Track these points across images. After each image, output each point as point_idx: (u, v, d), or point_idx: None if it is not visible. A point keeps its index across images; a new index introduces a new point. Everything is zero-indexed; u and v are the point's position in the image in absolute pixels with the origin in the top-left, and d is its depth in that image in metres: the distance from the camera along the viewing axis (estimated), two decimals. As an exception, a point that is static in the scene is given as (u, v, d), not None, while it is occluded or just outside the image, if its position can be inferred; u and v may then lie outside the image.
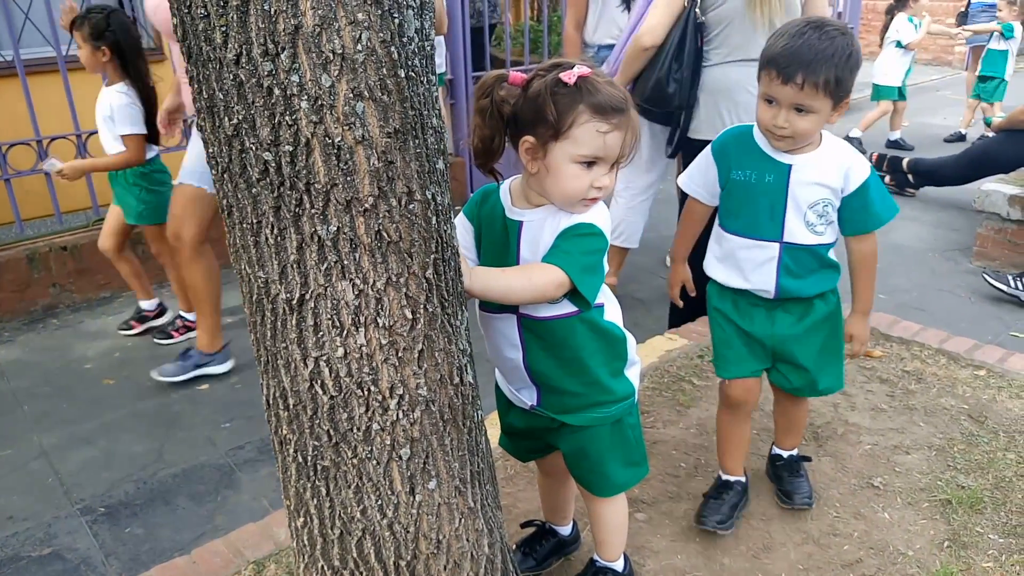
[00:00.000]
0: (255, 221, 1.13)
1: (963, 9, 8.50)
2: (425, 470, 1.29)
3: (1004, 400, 2.63)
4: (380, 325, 1.18)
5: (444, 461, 1.31)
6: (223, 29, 1.02)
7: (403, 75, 1.09)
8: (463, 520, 1.36)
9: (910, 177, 5.25)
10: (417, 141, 1.14)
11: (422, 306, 1.21)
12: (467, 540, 1.37)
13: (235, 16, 1.01)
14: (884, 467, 2.34)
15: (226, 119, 1.08)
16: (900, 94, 6.57)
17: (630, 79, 3.11)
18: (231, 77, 1.05)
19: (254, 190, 1.11)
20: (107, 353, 3.69)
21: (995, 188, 4.14)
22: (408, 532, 1.31)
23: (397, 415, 1.23)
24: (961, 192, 5.14)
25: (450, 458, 1.32)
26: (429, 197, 1.18)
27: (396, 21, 1.06)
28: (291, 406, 1.25)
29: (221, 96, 1.07)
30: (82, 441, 3.03)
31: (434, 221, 1.20)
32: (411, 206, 1.15)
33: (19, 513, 2.64)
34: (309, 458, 1.28)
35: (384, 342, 1.19)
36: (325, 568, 1.37)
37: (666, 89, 2.94)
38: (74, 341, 3.81)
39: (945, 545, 2.04)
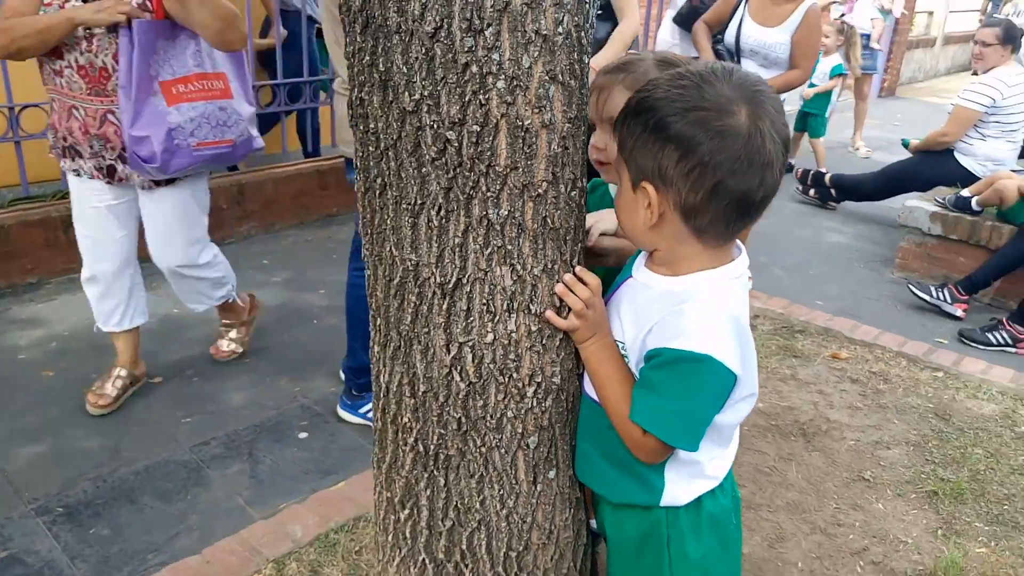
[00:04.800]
0: (418, 202, 1.09)
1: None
2: (548, 459, 1.28)
3: (963, 400, 2.85)
4: (531, 312, 1.16)
5: (563, 451, 1.30)
6: (423, 0, 0.99)
7: (586, 60, 1.08)
8: (572, 510, 1.36)
9: (832, 191, 5.58)
10: (583, 128, 1.14)
11: (567, 294, 1.20)
12: (572, 530, 1.37)
13: (439, -12, 0.98)
14: (870, 461, 2.49)
15: (406, 94, 1.04)
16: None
17: None
18: (423, 51, 1.01)
19: (424, 169, 1.07)
20: (42, 343, 3.42)
21: (918, 205, 4.46)
22: (524, 523, 1.30)
23: (532, 403, 1.22)
24: (878, 207, 5.50)
25: (568, 448, 1.31)
26: (584, 185, 1.18)
27: (586, 7, 1.06)
28: (419, 392, 1.22)
29: (404, 70, 1.03)
30: (27, 437, 2.80)
31: (584, 210, 1.20)
32: (573, 193, 1.14)
33: (-33, 514, 2.42)
34: (432, 447, 1.25)
35: (533, 329, 1.17)
36: (427, 561, 1.34)
37: None
38: (3, 330, 3.51)
39: (939, 533, 2.19)
